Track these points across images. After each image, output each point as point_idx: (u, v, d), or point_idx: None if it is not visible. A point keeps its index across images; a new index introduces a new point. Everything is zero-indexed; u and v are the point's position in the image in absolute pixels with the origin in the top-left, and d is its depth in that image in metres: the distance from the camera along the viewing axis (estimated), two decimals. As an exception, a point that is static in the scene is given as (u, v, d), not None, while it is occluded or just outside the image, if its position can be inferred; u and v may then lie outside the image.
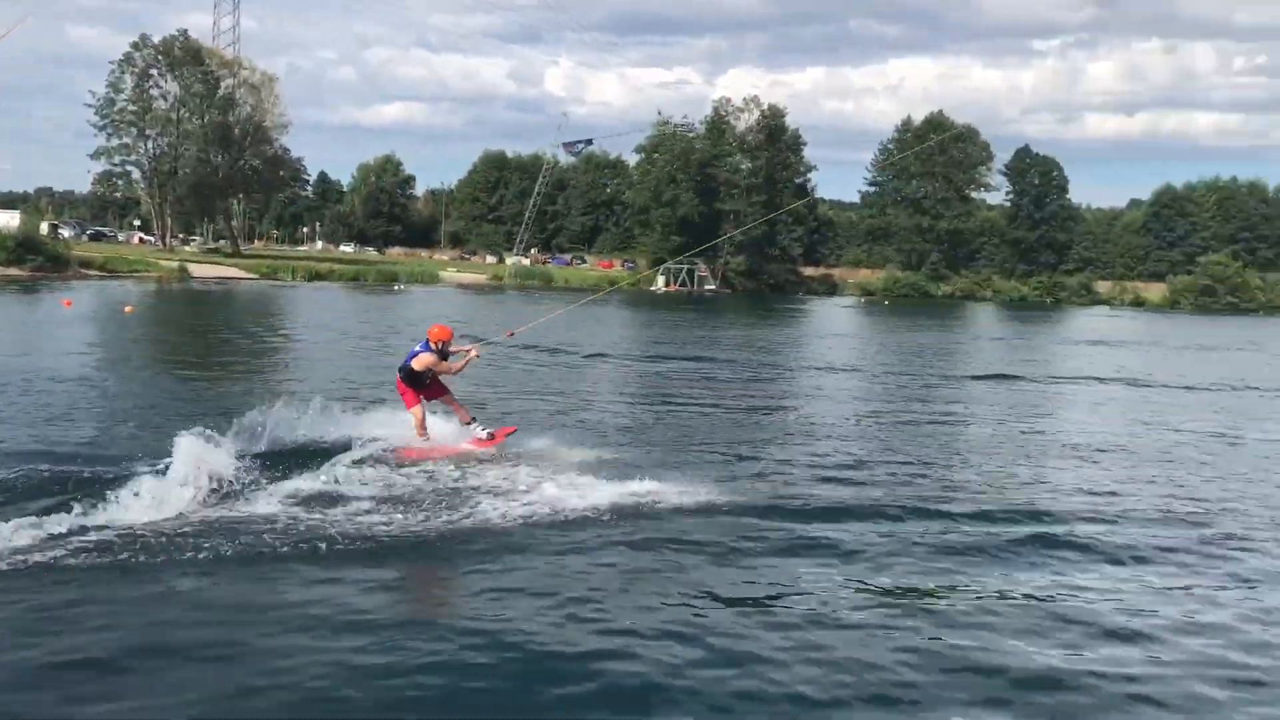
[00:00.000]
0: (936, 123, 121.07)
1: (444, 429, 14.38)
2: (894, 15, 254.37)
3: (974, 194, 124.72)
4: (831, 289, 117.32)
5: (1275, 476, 16.05)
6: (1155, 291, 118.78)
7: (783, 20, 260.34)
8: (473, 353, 14.69)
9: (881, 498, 12.79)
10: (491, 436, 14.14)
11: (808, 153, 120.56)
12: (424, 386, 14.09)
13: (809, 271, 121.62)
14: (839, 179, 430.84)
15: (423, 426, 13.96)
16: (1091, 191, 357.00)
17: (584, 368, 28.45)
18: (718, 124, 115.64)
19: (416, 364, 13.87)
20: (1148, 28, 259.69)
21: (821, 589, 9.29)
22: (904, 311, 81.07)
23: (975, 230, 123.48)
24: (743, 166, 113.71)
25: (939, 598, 9.18)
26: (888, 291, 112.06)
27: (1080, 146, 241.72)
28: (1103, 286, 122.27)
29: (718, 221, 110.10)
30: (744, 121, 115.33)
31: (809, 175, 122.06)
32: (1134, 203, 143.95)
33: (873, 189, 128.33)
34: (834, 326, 57.33)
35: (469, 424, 14.30)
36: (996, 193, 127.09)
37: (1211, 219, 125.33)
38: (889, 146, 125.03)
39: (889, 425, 19.43)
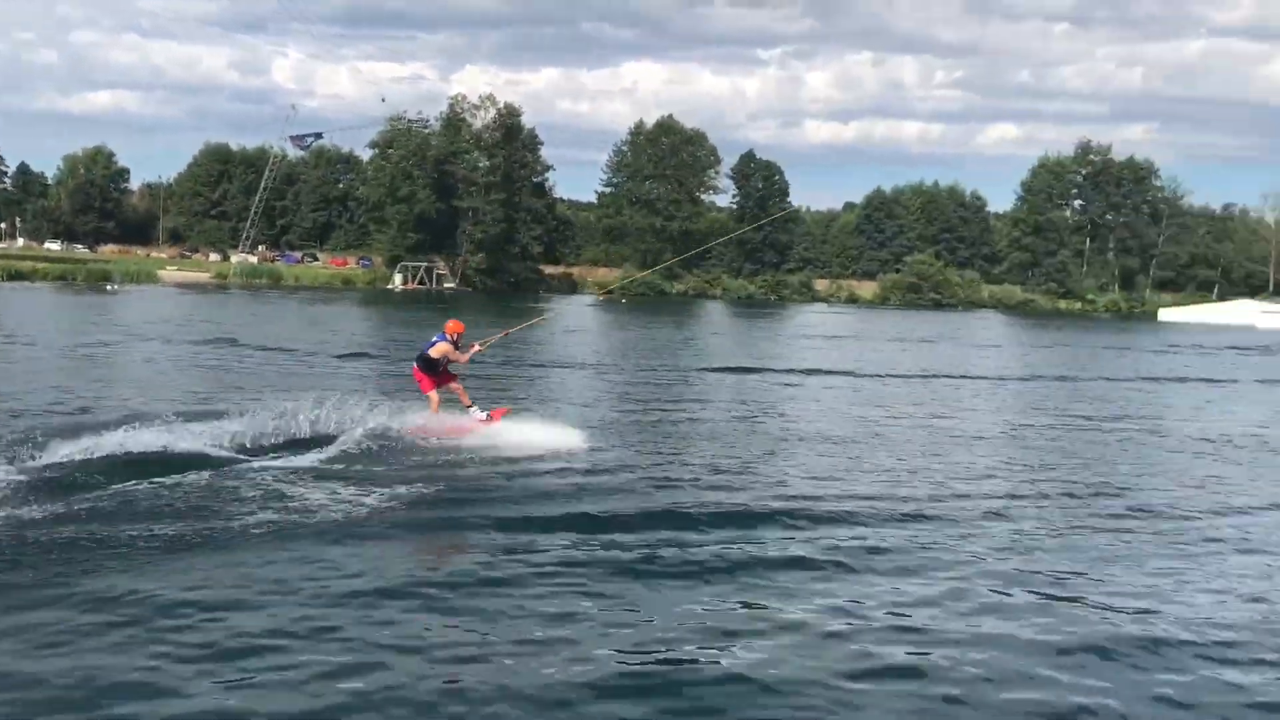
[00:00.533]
0: (667, 126, 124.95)
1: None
2: (626, 20, 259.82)
3: (704, 196, 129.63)
4: (572, 287, 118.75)
5: (982, 458, 17.68)
6: (868, 289, 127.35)
7: (519, 19, 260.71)
8: (476, 347, 16.49)
9: (621, 486, 13.20)
10: (489, 417, 16.08)
11: (546, 152, 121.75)
12: (437, 373, 16.09)
13: (549, 270, 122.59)
14: (577, 179, 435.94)
15: (438, 407, 15.97)
16: (811, 194, 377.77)
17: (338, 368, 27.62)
18: (454, 121, 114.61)
19: (434, 352, 15.88)
20: (860, 41, 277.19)
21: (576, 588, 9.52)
22: (641, 309, 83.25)
23: (705, 231, 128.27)
24: (481, 164, 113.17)
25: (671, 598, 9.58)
26: (625, 289, 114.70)
27: (801, 151, 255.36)
28: (821, 284, 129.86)
29: (456, 219, 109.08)
30: (480, 119, 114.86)
31: (547, 174, 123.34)
32: (849, 205, 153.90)
33: (609, 189, 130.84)
34: (578, 323, 58.19)
35: (469, 407, 16.25)
36: (724, 195, 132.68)
37: (916, 221, 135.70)
38: (623, 148, 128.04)
39: (634, 420, 19.97)
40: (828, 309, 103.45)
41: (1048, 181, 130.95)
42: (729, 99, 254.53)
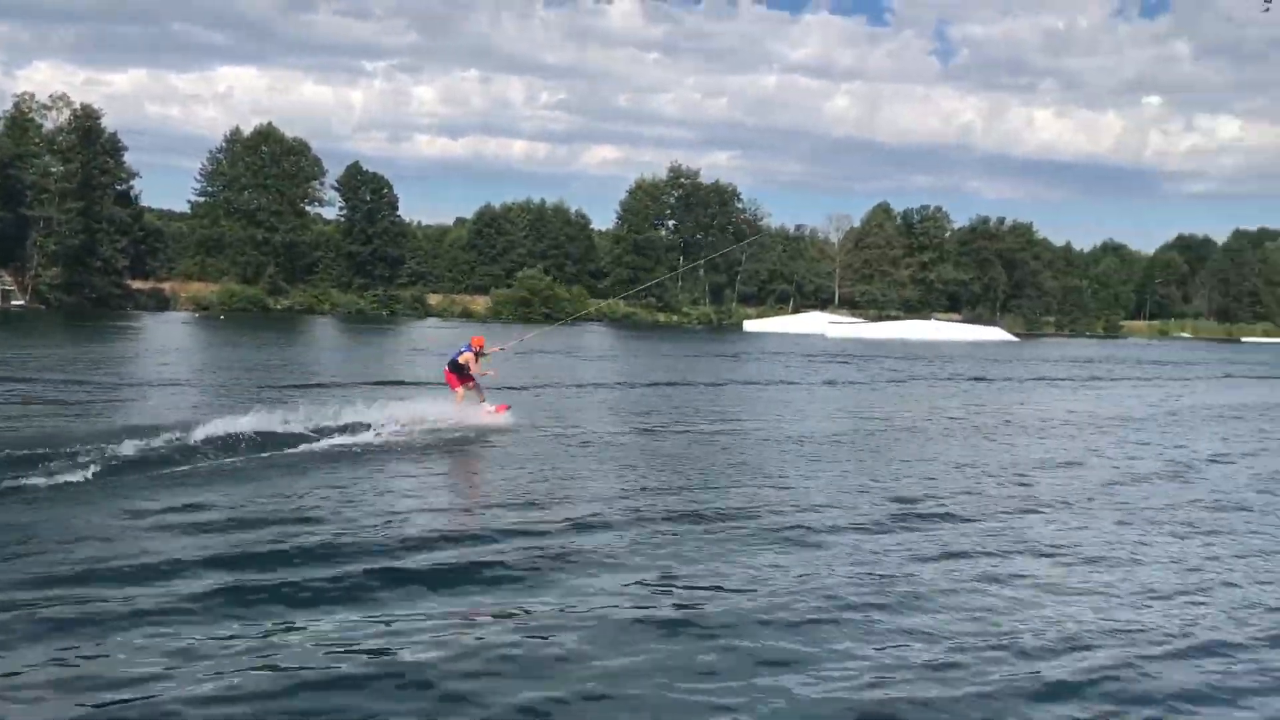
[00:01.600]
0: (267, 134, 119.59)
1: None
2: (219, 22, 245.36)
3: (309, 208, 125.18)
4: (163, 303, 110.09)
5: (596, 465, 18.37)
6: (480, 303, 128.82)
7: (98, 14, 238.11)
8: (493, 366, 23.38)
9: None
10: (496, 410, 22.21)
11: (131, 158, 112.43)
12: (462, 376, 21.97)
13: (137, 284, 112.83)
14: (167, 187, 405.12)
15: (461, 400, 21.91)
16: (422, 208, 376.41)
17: None
18: (20, 121, 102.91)
19: (461, 359, 21.89)
20: (467, 59, 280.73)
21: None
22: (243, 326, 78.86)
23: (311, 244, 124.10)
24: (54, 169, 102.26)
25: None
26: (224, 305, 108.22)
27: (412, 165, 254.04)
28: (434, 299, 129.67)
29: (25, 229, 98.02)
30: (53, 120, 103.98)
31: (132, 182, 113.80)
32: (460, 220, 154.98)
33: (204, 199, 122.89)
34: (168, 343, 54.10)
35: (482, 401, 22.30)
36: (331, 207, 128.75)
37: (526, 237, 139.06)
38: (219, 156, 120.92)
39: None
40: (441, 324, 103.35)
41: (644, 202, 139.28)
42: (334, 109, 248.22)
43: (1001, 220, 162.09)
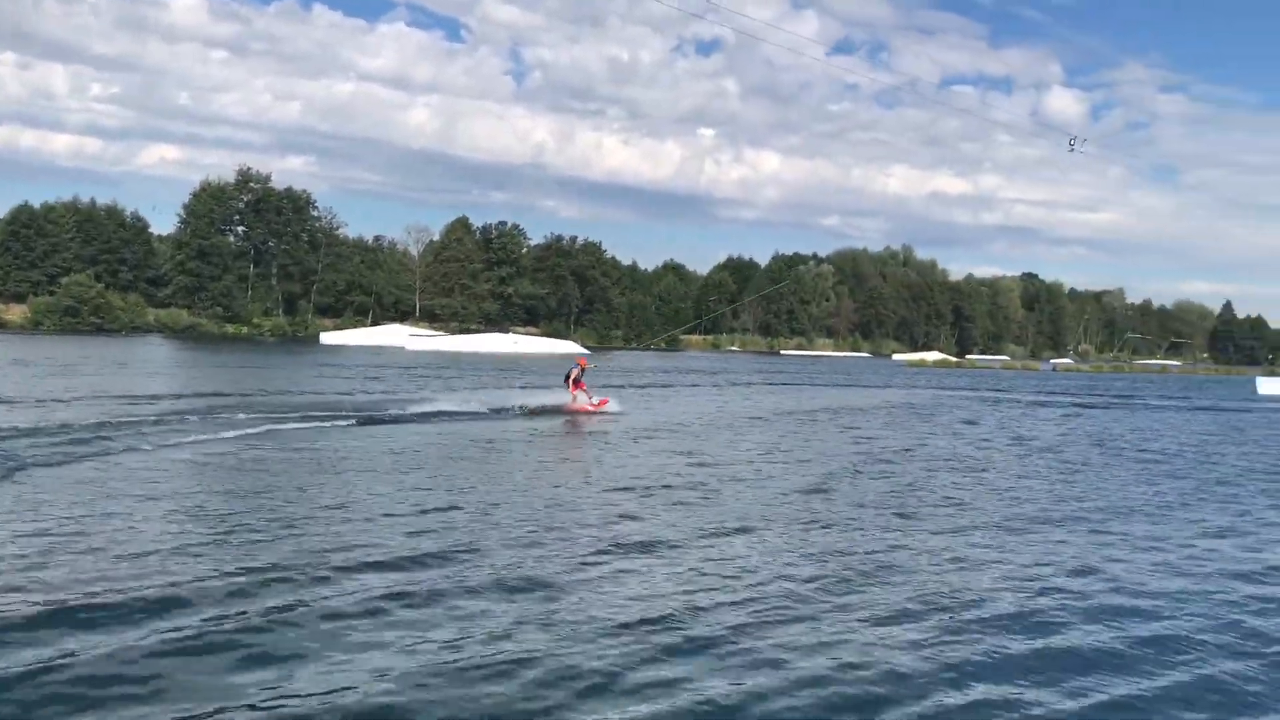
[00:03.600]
0: None
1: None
2: None
3: None
4: None
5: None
6: (18, 313, 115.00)
7: None
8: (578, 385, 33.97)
9: None
10: (598, 403, 33.87)
11: None
12: (570, 383, 33.77)
13: None
14: None
15: (574, 398, 33.46)
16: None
17: None
18: None
19: (571, 375, 33.97)
20: (2, 41, 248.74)
21: None
22: None
23: None
24: None
25: None
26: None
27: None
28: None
29: None
30: None
31: None
32: None
33: None
34: None
35: (590, 398, 33.88)
36: None
37: (72, 240, 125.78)
38: None
39: None
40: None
41: (210, 206, 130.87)
42: None
43: (574, 239, 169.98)
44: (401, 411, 30.59)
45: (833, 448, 27.35)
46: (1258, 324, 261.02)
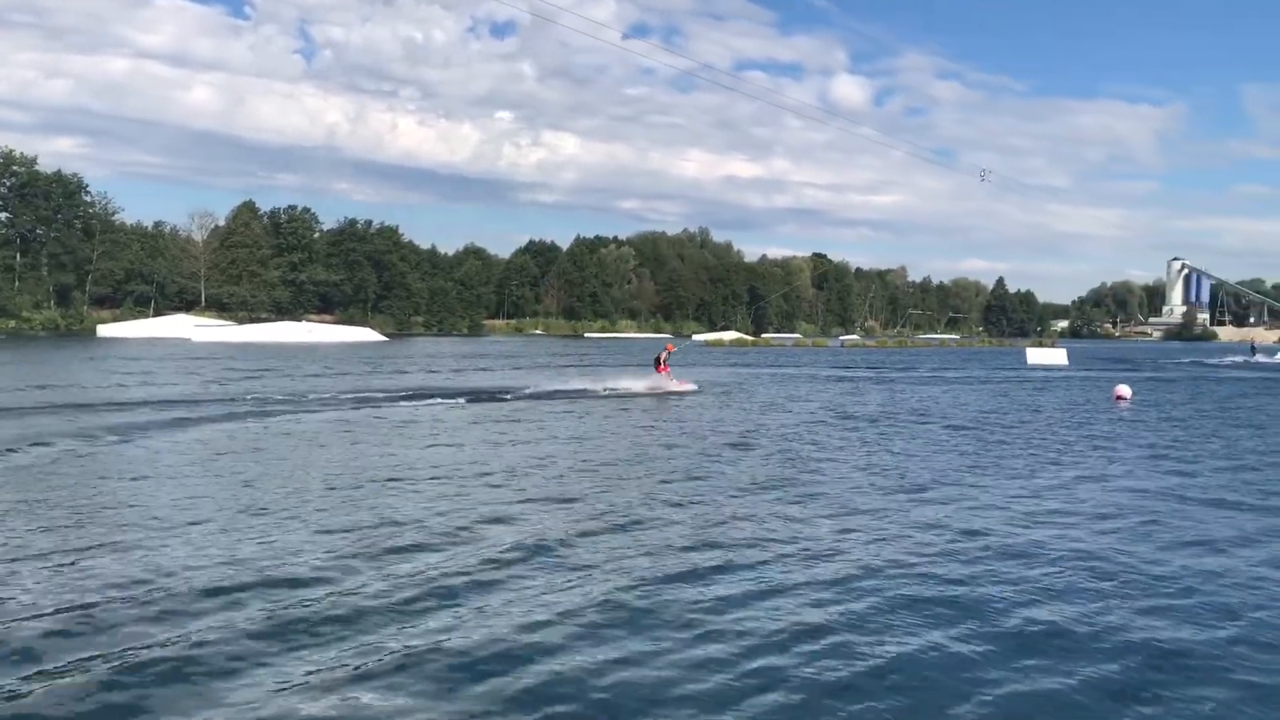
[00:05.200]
0: None
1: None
2: None
3: None
4: None
5: None
6: None
7: None
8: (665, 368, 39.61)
9: None
10: (680, 384, 39.19)
11: None
12: (659, 365, 39.16)
13: None
14: None
15: (664, 378, 38.70)
16: None
17: None
18: None
19: (660, 356, 39.63)
20: None
21: None
22: None
23: None
24: None
25: None
26: None
27: None
28: None
29: None
30: None
31: None
32: None
33: None
34: None
35: (671, 380, 39.06)
36: None
37: None
38: None
39: None
40: None
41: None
42: None
43: (369, 223, 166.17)
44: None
45: (630, 434, 27.84)
46: (1027, 298, 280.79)
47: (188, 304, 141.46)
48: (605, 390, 37.54)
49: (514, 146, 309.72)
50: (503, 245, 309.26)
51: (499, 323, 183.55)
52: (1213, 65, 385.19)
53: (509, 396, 35.14)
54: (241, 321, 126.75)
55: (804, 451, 21.84)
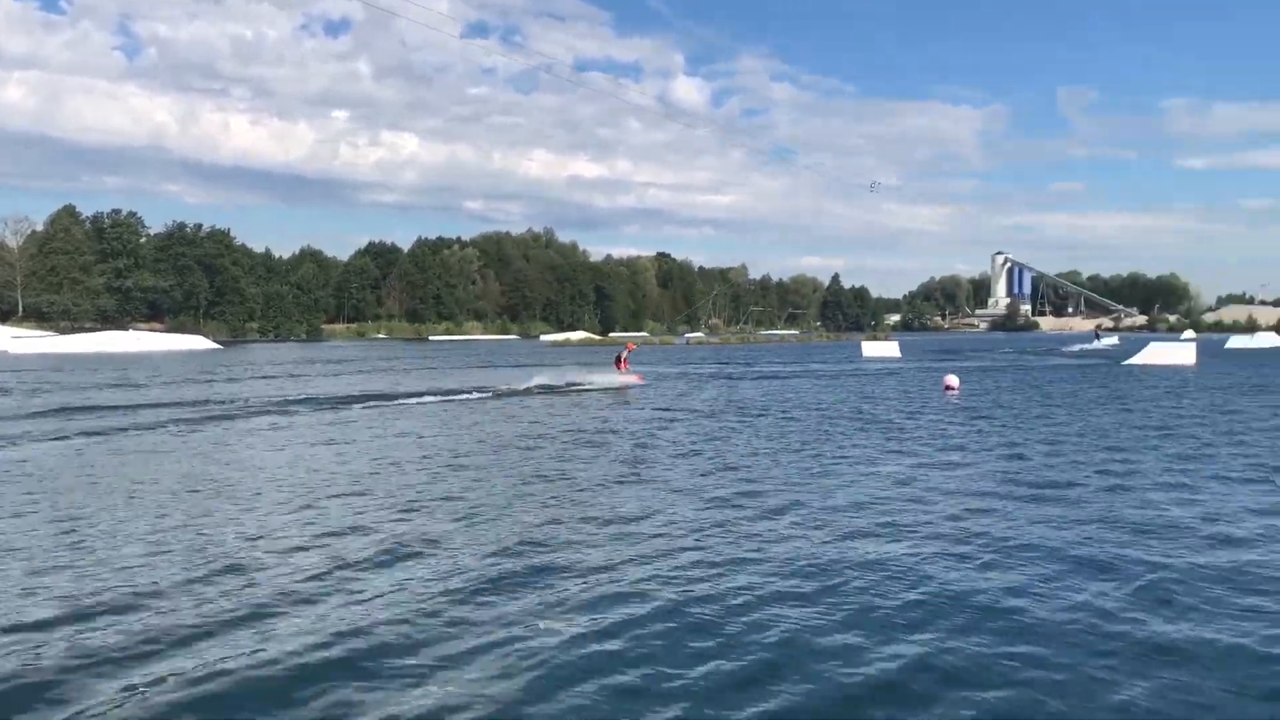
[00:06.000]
0: None
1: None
2: None
3: None
4: None
5: None
6: None
7: None
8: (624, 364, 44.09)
9: None
10: (639, 377, 43.50)
11: None
12: (619, 362, 43.68)
13: None
14: None
15: (622, 375, 42.45)
16: None
17: None
18: None
19: (621, 355, 44.62)
20: None
21: None
22: None
23: None
24: None
25: None
26: None
27: None
28: None
29: None
30: None
31: None
32: None
33: None
34: None
35: (630, 375, 42.93)
36: None
37: None
38: None
39: None
40: None
41: None
42: None
43: (199, 226, 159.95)
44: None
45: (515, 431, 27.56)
46: (861, 294, 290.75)
47: (3, 314, 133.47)
48: (566, 384, 40.94)
49: (351, 146, 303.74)
50: (341, 247, 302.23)
51: (339, 327, 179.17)
52: (1030, 70, 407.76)
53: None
54: (64, 331, 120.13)
55: (657, 445, 22.09)
